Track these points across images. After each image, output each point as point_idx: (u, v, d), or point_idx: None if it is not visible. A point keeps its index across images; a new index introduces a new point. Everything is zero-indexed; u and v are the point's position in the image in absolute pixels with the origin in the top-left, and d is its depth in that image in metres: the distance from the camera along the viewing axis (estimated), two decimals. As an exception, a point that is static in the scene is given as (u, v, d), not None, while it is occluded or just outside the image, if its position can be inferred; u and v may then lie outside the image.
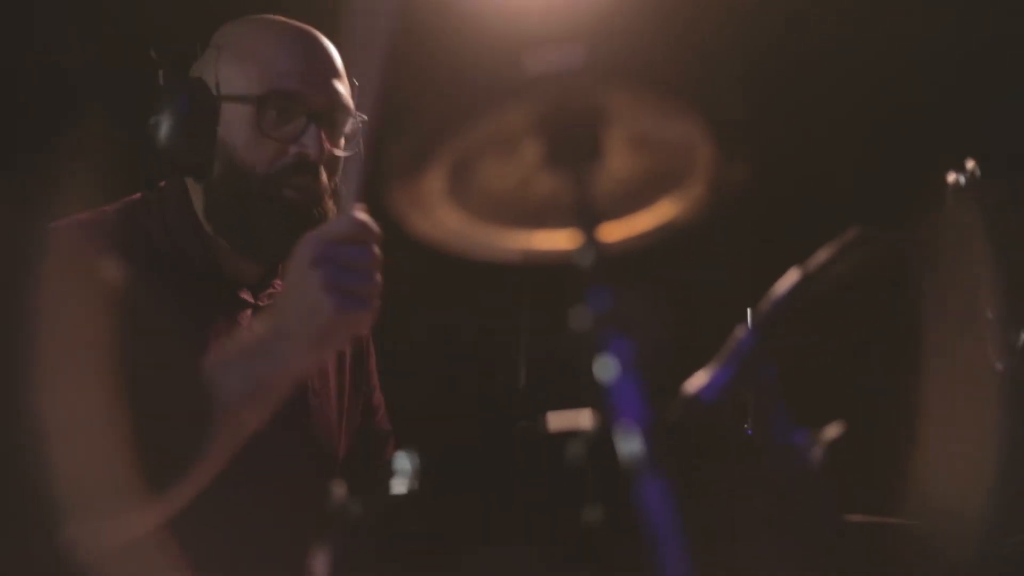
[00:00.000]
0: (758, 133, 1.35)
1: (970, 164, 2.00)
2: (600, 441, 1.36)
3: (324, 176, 2.39)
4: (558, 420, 1.45)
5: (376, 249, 2.03)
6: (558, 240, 1.48)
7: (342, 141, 2.44)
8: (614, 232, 1.47)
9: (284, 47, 2.42)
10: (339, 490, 1.51)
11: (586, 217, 1.39)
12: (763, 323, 1.67)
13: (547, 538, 1.42)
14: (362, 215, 2.02)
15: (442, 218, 1.46)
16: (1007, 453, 2.15)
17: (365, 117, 2.43)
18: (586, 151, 1.39)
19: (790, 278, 1.71)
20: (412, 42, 3.39)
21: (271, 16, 2.49)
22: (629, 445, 1.28)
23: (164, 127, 2.36)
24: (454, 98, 1.33)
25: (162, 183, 2.50)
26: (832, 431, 1.58)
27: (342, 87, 2.43)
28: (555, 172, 1.40)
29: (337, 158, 2.42)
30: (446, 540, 1.45)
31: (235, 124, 2.37)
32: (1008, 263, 1.98)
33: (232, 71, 2.39)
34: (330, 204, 2.41)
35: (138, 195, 2.50)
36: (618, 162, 1.42)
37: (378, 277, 2.04)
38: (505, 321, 4.08)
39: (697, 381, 1.61)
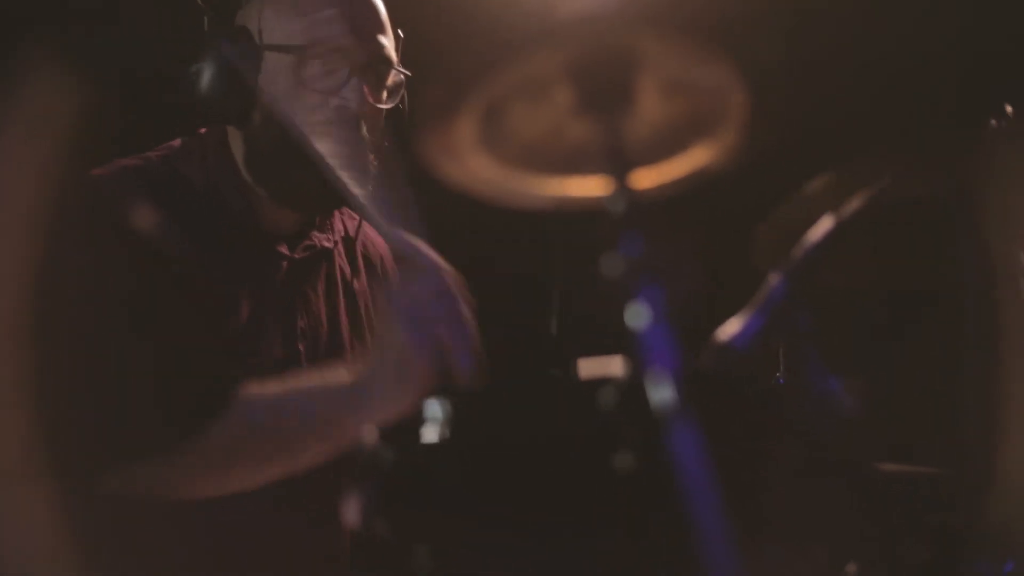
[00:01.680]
0: (792, 79, 1.34)
1: (1008, 109, 1.98)
2: (632, 389, 1.36)
3: (365, 129, 2.39)
4: (590, 367, 1.44)
5: (460, 300, 2.07)
6: (590, 187, 1.47)
7: (384, 94, 2.43)
8: (646, 179, 1.46)
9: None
10: (371, 436, 1.51)
11: (618, 163, 1.39)
12: (796, 271, 1.67)
13: (580, 486, 1.42)
14: (440, 265, 2.04)
15: (473, 165, 1.45)
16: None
17: (407, 72, 2.42)
18: (618, 97, 1.38)
19: (824, 225, 1.70)
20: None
21: None
22: (661, 393, 1.27)
23: (206, 75, 2.36)
24: (485, 44, 1.32)
25: (202, 131, 2.50)
26: (866, 379, 1.57)
27: (386, 40, 2.42)
28: (587, 118, 1.39)
29: (379, 111, 2.41)
30: (477, 488, 1.45)
31: (277, 74, 2.36)
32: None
33: (276, 20, 2.38)
34: (372, 158, 2.41)
35: (178, 141, 2.50)
36: (650, 108, 1.41)
37: (468, 325, 2.07)
38: (537, 269, 4.07)
39: (730, 329, 1.61)
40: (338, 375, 2.15)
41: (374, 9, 2.41)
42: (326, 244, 2.50)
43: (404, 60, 2.49)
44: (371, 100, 2.37)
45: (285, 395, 2.14)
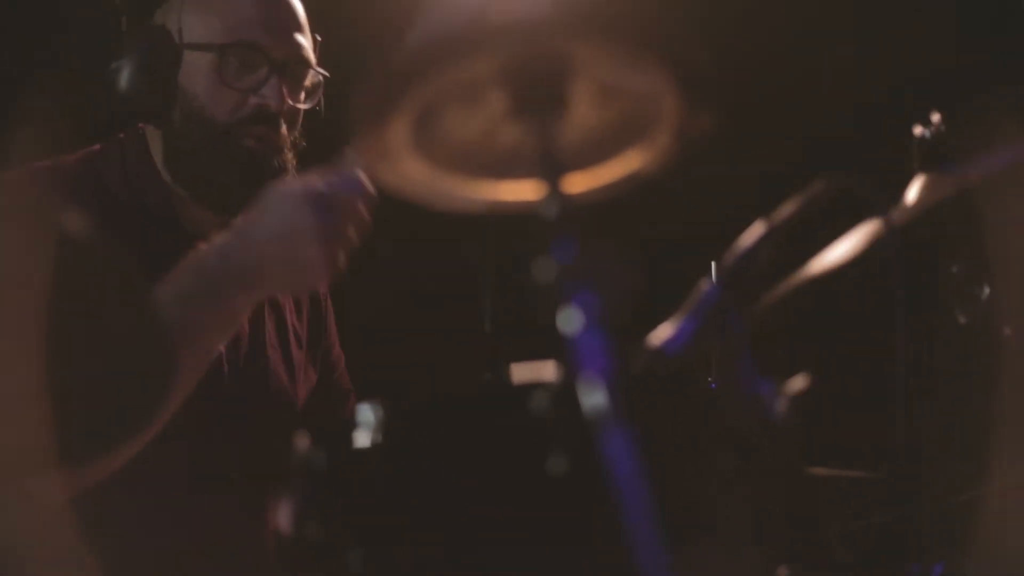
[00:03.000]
0: (724, 83, 1.34)
1: (935, 117, 1.99)
2: (564, 393, 1.36)
3: (284, 128, 2.39)
4: (522, 372, 1.44)
5: (365, 208, 2.06)
6: (522, 191, 1.47)
7: (303, 95, 2.43)
8: (579, 183, 1.46)
9: None
10: (302, 441, 1.50)
11: (551, 168, 1.39)
12: (728, 275, 1.67)
13: (513, 490, 1.42)
14: (362, 175, 2.04)
15: (406, 168, 1.45)
16: (961, 407, 2.17)
17: (326, 73, 2.43)
18: (551, 101, 1.38)
19: (756, 230, 1.71)
20: (377, -9, 3.37)
21: None
22: (593, 397, 1.27)
23: (124, 74, 2.35)
24: (418, 47, 1.32)
25: (122, 134, 2.48)
26: (798, 383, 1.58)
27: (304, 40, 2.44)
28: (520, 122, 1.39)
29: (297, 111, 2.42)
30: (410, 493, 1.45)
31: (197, 73, 2.36)
32: (973, 218, 1.99)
33: (195, 19, 2.39)
34: (290, 156, 2.41)
35: (97, 146, 2.48)
36: (583, 112, 1.41)
37: (355, 235, 2.06)
38: (469, 272, 4.07)
39: (662, 333, 1.61)
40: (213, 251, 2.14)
41: (292, 10, 2.44)
42: None
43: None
44: (289, 100, 2.37)
45: (180, 281, 2.12)
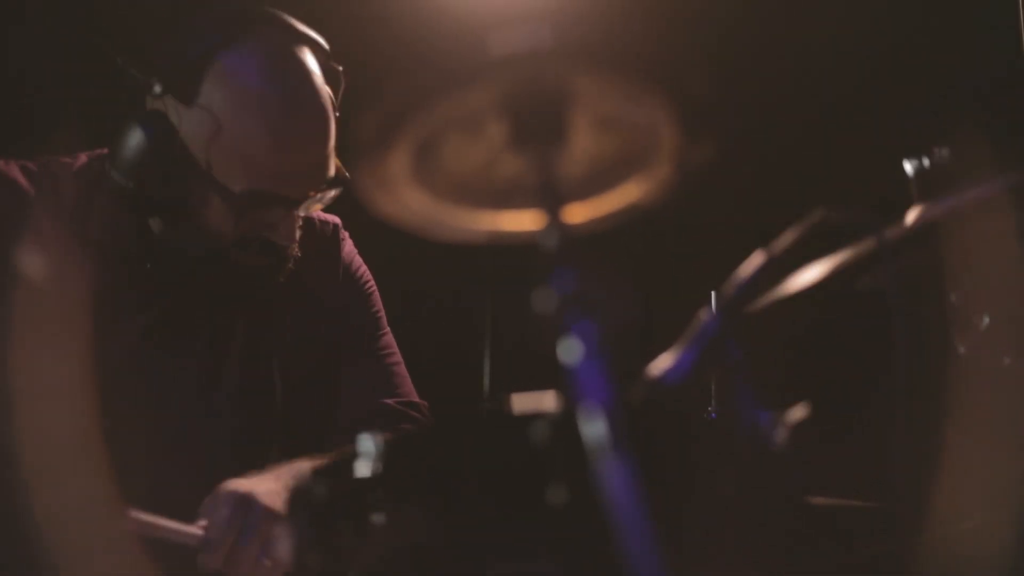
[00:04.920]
0: (724, 115, 1.35)
1: (934, 149, 2.00)
2: (564, 423, 1.36)
3: (291, 248, 2.39)
4: (522, 402, 1.44)
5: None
6: (523, 221, 1.47)
7: (318, 203, 2.42)
8: (579, 214, 1.46)
9: (265, 134, 2.32)
10: (303, 471, 1.50)
11: (551, 198, 1.39)
12: (727, 305, 1.68)
13: (511, 520, 1.42)
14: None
15: (406, 199, 1.45)
16: (962, 436, 2.16)
17: (342, 184, 2.39)
18: (551, 132, 1.39)
19: (755, 260, 1.71)
20: (377, 22, 3.38)
21: (268, 64, 2.36)
22: (593, 427, 1.28)
23: (141, 161, 2.32)
24: (419, 78, 1.32)
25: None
26: (797, 413, 1.58)
27: (325, 162, 2.38)
28: (520, 153, 1.39)
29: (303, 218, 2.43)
30: (410, 523, 1.45)
31: (212, 197, 2.33)
32: (970, 248, 1.99)
33: (220, 157, 2.32)
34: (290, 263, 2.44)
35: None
36: (583, 143, 1.41)
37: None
38: (469, 303, 4.07)
39: (661, 363, 1.61)
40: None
41: (317, 149, 2.36)
42: None
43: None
44: (298, 225, 2.36)
45: None
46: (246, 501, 2.17)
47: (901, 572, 1.97)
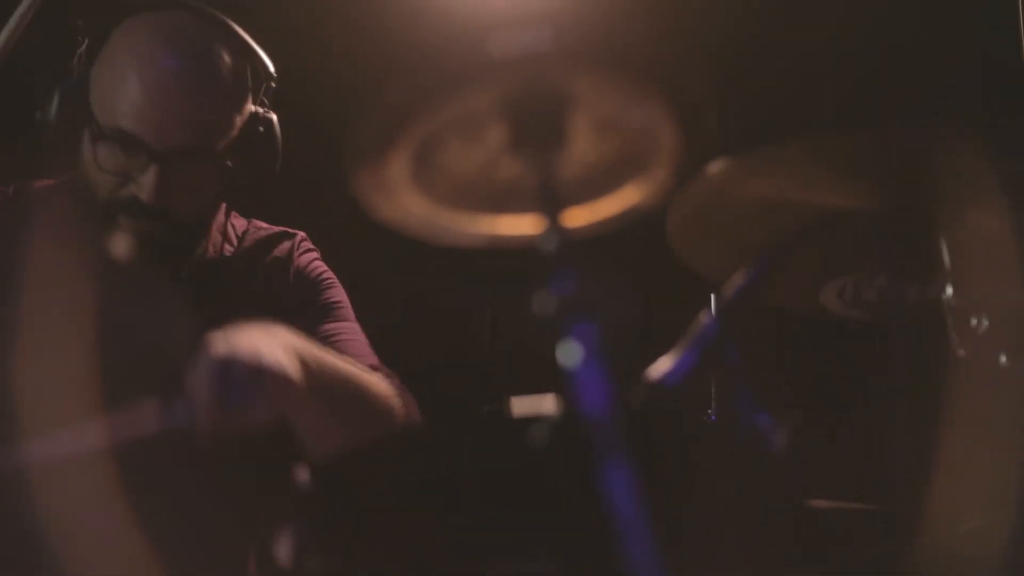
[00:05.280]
0: (722, 117, 1.35)
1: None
2: (564, 426, 1.36)
3: (176, 214, 2.37)
4: (522, 405, 1.45)
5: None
6: (522, 225, 1.48)
7: (201, 178, 2.40)
8: (578, 217, 1.47)
9: (134, 76, 2.33)
10: (302, 473, 1.50)
11: (550, 202, 1.39)
12: (727, 308, 1.68)
13: (510, 522, 1.42)
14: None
15: (406, 202, 1.45)
16: (961, 439, 2.17)
17: (229, 163, 2.40)
18: (551, 135, 1.39)
19: (755, 263, 1.71)
20: (376, 25, 3.38)
21: (164, 19, 2.41)
22: (593, 430, 1.28)
23: (44, 125, 2.39)
24: (418, 82, 1.33)
25: None
26: (796, 415, 1.58)
27: (201, 127, 2.38)
28: (519, 156, 1.40)
29: (196, 192, 2.41)
30: (410, 526, 1.45)
31: (87, 144, 2.37)
32: (966, 248, 1.99)
33: (95, 92, 2.37)
34: (194, 234, 2.45)
35: None
36: (583, 147, 1.41)
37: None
38: (469, 306, 4.07)
39: (661, 366, 1.62)
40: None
41: (192, 93, 2.37)
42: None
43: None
44: (161, 191, 2.34)
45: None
46: (225, 366, 2.16)
47: (900, 574, 1.97)
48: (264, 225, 2.68)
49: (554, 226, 1.38)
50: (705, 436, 1.64)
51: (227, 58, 2.41)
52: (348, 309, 2.68)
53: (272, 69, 2.48)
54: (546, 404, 1.42)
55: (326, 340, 2.59)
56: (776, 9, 3.81)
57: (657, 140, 1.40)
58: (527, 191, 1.40)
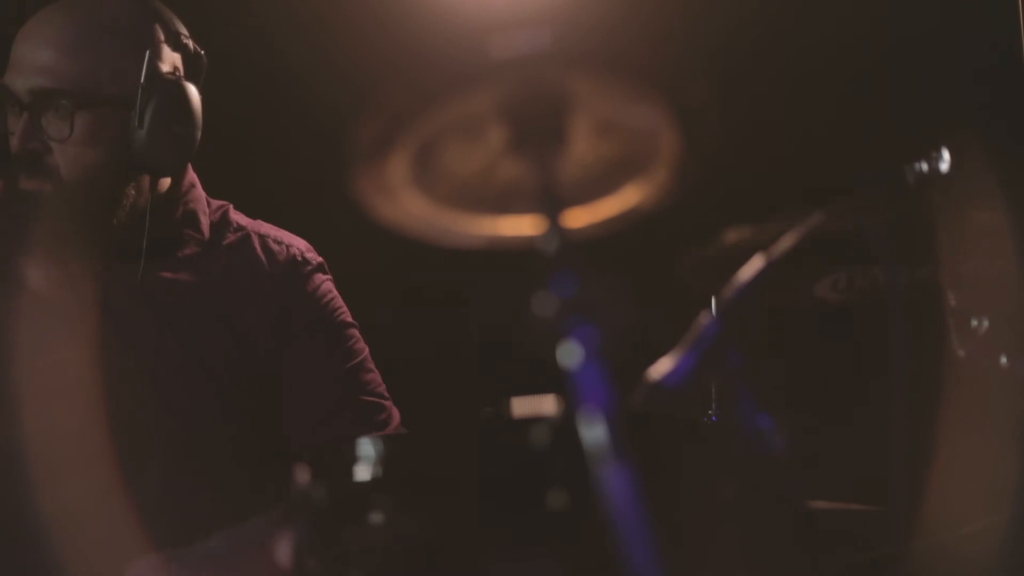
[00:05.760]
0: (722, 119, 1.35)
1: (940, 154, 2.00)
2: (564, 427, 1.36)
3: (54, 165, 2.39)
4: (522, 406, 1.45)
5: None
6: (522, 226, 1.47)
7: (81, 129, 2.41)
8: (579, 218, 1.47)
9: (17, 37, 2.42)
10: (303, 475, 1.50)
11: (550, 203, 1.39)
12: (727, 309, 1.68)
13: (510, 524, 1.42)
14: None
15: (406, 203, 1.45)
16: (962, 441, 2.16)
17: (90, 105, 2.41)
18: (551, 136, 1.39)
19: (754, 264, 1.71)
20: (376, 26, 3.38)
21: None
22: (593, 431, 1.28)
23: None
24: (418, 83, 1.33)
25: None
26: (799, 417, 1.58)
27: (64, 72, 2.40)
28: (520, 157, 1.40)
29: (70, 142, 2.40)
30: (410, 527, 1.45)
31: None
32: (966, 250, 1.99)
33: None
34: (63, 184, 2.42)
35: None
36: (583, 148, 1.41)
37: None
38: (469, 307, 4.07)
39: (661, 367, 1.62)
40: None
41: (47, 42, 2.40)
42: None
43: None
44: (44, 135, 2.35)
45: None
46: None
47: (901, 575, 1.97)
48: (268, 229, 2.69)
49: (554, 227, 1.38)
50: (705, 438, 1.64)
51: (114, 15, 2.45)
52: (359, 337, 2.67)
53: (189, 41, 2.51)
54: (546, 405, 1.42)
55: (339, 368, 2.60)
56: (776, 10, 3.81)
57: (657, 141, 1.40)
58: (527, 192, 1.40)
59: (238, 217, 2.66)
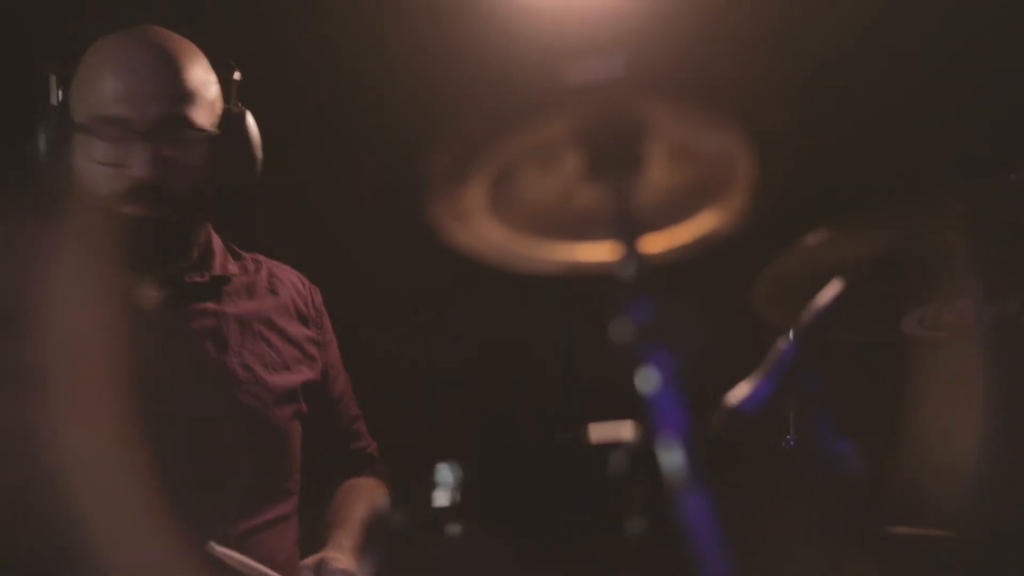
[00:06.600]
0: (799, 144, 1.34)
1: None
2: (642, 453, 1.36)
3: (172, 190, 2.44)
4: (600, 432, 1.45)
5: None
6: (599, 252, 1.48)
7: (189, 152, 2.48)
8: (655, 244, 1.47)
9: (109, 69, 2.46)
10: (383, 501, 1.51)
11: (627, 229, 1.39)
12: (805, 333, 1.67)
13: (589, 551, 1.42)
14: None
15: (483, 230, 1.46)
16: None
17: (211, 130, 2.49)
18: (627, 162, 1.39)
19: (832, 288, 1.70)
20: (452, 53, 3.39)
21: (130, 30, 2.53)
22: (671, 457, 1.28)
23: (31, 154, 2.47)
24: (494, 110, 1.33)
25: None
26: (873, 441, 1.57)
27: (179, 99, 2.47)
28: (596, 184, 1.40)
29: (185, 171, 2.47)
30: (489, 553, 1.45)
31: (78, 151, 2.44)
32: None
33: (75, 98, 2.48)
34: (191, 219, 2.50)
35: None
36: (659, 173, 1.41)
37: None
38: (546, 333, 4.07)
39: (739, 392, 1.61)
40: None
41: (162, 70, 2.47)
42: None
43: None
44: (166, 162, 2.40)
45: None
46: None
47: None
48: (266, 259, 2.80)
49: (631, 253, 1.38)
50: (785, 463, 1.63)
51: (187, 43, 2.55)
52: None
53: (234, 68, 2.57)
54: (624, 431, 1.42)
55: (334, 386, 2.67)
56: (847, 27, 3.79)
57: (733, 166, 1.40)
58: (604, 218, 1.40)
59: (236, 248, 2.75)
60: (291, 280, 2.73)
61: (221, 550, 2.33)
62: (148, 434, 2.23)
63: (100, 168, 2.41)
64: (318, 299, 2.77)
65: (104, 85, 2.44)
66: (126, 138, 2.42)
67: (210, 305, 2.56)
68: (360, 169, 3.62)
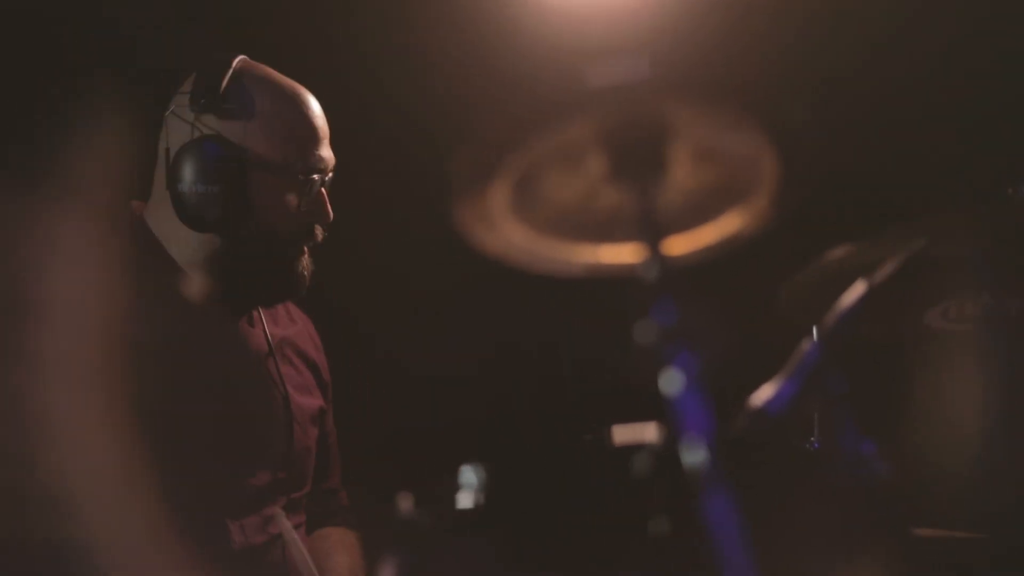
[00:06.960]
0: (824, 146, 1.34)
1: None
2: (666, 454, 1.36)
3: (320, 232, 2.52)
4: (624, 433, 1.45)
5: None
6: (623, 254, 1.48)
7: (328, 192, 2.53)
8: (679, 245, 1.47)
9: (301, 113, 2.48)
10: (406, 502, 1.51)
11: (651, 230, 1.39)
12: (829, 335, 1.67)
13: (615, 552, 1.42)
14: None
15: (507, 232, 1.46)
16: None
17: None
18: (650, 164, 1.39)
19: (856, 290, 1.70)
20: (475, 56, 3.40)
21: (278, 76, 2.53)
22: (695, 458, 1.28)
23: (195, 183, 2.41)
24: (518, 112, 1.33)
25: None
26: (897, 442, 1.57)
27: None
28: (619, 185, 1.40)
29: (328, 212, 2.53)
30: (512, 554, 1.45)
31: (261, 189, 2.42)
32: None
33: (261, 139, 2.44)
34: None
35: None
36: (682, 175, 1.41)
37: None
38: (571, 335, 4.07)
39: (763, 394, 1.61)
40: None
41: (325, 119, 2.52)
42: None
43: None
44: (328, 207, 2.44)
45: None
46: None
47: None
48: None
49: (655, 255, 1.39)
50: (808, 464, 1.63)
51: None
52: None
53: None
54: (648, 432, 1.42)
55: (328, 418, 2.70)
56: (874, 31, 3.78)
57: (757, 168, 1.40)
58: (627, 220, 1.40)
59: None
60: (300, 314, 2.75)
61: (286, 524, 2.37)
62: (194, 432, 2.25)
63: (296, 212, 2.45)
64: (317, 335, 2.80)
65: (302, 128, 2.47)
66: (314, 184, 2.46)
67: (257, 328, 2.58)
68: (385, 172, 3.62)
